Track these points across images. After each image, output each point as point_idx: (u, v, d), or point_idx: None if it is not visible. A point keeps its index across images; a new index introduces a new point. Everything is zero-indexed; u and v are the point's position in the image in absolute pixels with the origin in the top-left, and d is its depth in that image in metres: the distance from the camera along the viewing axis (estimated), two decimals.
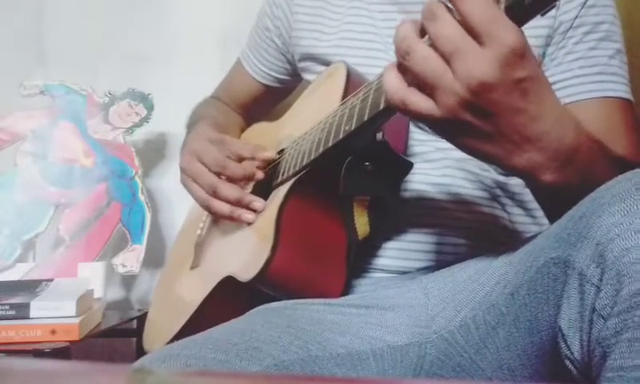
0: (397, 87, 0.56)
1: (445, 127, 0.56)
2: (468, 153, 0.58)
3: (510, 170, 0.58)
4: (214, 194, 0.85)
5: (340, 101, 0.76)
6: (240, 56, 1.12)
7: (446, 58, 0.52)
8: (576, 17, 0.81)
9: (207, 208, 0.87)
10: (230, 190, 0.84)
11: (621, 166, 0.61)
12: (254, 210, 0.83)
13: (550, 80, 0.77)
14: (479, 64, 0.51)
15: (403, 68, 0.55)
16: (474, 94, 0.52)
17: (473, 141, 0.56)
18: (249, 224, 0.83)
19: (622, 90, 0.82)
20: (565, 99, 0.81)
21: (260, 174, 0.86)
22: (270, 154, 0.87)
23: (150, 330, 1.04)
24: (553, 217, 0.61)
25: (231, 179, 0.86)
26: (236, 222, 0.85)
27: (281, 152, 0.88)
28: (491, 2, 0.51)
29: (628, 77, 0.83)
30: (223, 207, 0.84)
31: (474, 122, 0.54)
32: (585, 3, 0.81)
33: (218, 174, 0.86)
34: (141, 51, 1.46)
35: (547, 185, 0.57)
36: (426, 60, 0.53)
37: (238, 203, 0.84)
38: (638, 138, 0.82)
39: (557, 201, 0.58)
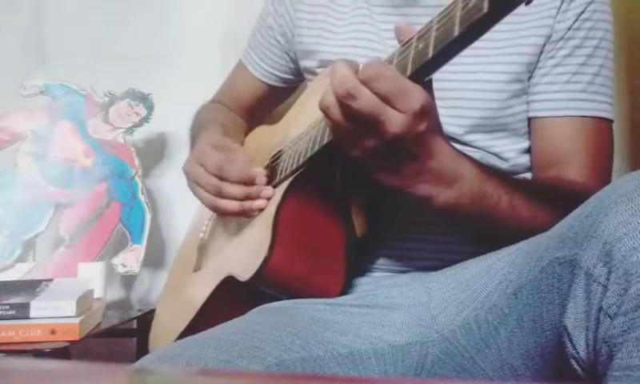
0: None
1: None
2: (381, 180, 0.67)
3: (411, 196, 0.67)
4: (220, 194, 0.84)
5: None
6: (242, 57, 1.10)
7: (374, 120, 0.62)
8: (569, 28, 0.80)
9: (215, 209, 0.86)
10: (234, 189, 0.83)
11: (570, 200, 0.62)
12: (267, 198, 0.81)
13: (534, 89, 0.81)
14: (394, 122, 0.62)
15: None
16: (390, 143, 0.63)
17: (385, 174, 0.67)
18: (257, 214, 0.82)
19: (601, 109, 0.81)
20: (543, 112, 0.81)
21: (262, 178, 0.84)
22: (258, 170, 0.85)
23: (158, 331, 1.03)
24: (462, 235, 0.77)
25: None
26: (248, 217, 0.84)
27: (279, 153, 0.88)
28: (397, 76, 0.62)
29: (612, 93, 0.83)
30: (231, 205, 0.83)
31: (389, 160, 0.65)
32: (580, 15, 0.81)
33: (219, 177, 0.85)
34: (141, 51, 1.45)
35: (440, 207, 0.67)
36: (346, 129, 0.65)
37: (247, 198, 0.82)
38: (605, 161, 0.82)
39: (456, 219, 0.72)
